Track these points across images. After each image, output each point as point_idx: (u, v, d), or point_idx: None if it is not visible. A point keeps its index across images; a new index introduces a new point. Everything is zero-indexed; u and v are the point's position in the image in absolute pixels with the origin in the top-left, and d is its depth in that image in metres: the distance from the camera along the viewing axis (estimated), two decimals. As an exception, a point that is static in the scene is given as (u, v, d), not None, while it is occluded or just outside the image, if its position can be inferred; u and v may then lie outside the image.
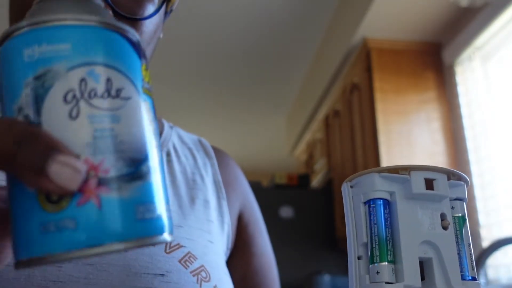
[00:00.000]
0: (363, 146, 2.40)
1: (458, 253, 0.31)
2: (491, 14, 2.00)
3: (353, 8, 2.43)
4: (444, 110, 2.32)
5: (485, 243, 2.00)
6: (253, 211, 0.66)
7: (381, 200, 0.30)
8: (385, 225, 0.30)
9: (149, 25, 0.53)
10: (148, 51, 0.55)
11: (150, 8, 0.52)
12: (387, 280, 0.28)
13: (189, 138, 0.67)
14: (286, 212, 2.66)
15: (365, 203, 0.31)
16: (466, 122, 2.20)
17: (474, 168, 2.14)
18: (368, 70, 2.35)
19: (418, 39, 2.39)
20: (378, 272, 0.29)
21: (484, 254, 1.41)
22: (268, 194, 2.65)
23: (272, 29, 2.91)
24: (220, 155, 0.67)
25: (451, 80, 2.32)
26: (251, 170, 4.62)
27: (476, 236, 2.08)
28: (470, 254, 0.31)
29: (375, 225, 0.30)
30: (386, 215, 0.30)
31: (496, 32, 2.06)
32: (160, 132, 0.63)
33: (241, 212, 0.64)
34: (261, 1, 2.65)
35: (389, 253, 0.29)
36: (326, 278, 2.46)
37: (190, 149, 0.64)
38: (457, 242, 0.31)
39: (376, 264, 0.29)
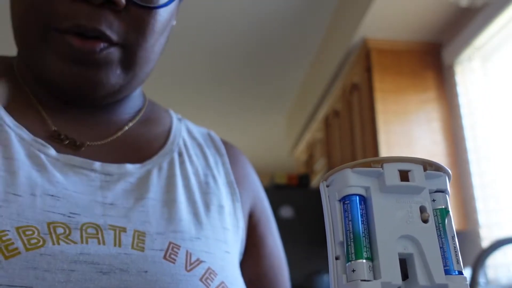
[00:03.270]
0: (363, 146, 2.40)
1: (441, 247, 0.29)
2: (491, 14, 2.00)
3: (353, 8, 2.43)
4: (444, 110, 2.32)
5: (485, 243, 2.00)
6: (264, 210, 0.62)
7: (356, 196, 0.29)
8: (361, 221, 0.29)
9: (164, 14, 0.50)
10: (161, 41, 0.53)
11: None
12: (363, 278, 0.27)
13: (199, 131, 0.63)
14: (286, 212, 2.66)
15: (340, 200, 0.30)
16: (466, 122, 2.20)
17: (474, 168, 2.14)
18: (368, 70, 2.35)
19: (418, 39, 2.39)
20: (354, 270, 0.28)
21: (484, 254, 1.40)
22: (268, 194, 2.63)
23: (272, 29, 2.91)
24: (230, 151, 0.63)
25: (451, 80, 2.32)
26: (251, 170, 4.60)
27: (476, 236, 2.08)
28: (455, 247, 0.29)
29: (350, 222, 0.29)
30: (361, 211, 0.29)
31: (496, 32, 2.06)
32: (169, 125, 0.60)
33: (251, 211, 0.60)
34: (262, 1, 2.65)
35: (365, 249, 0.28)
36: (326, 278, 2.46)
37: (200, 146, 0.60)
38: (439, 235, 0.29)
39: (352, 262, 0.28)
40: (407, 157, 0.30)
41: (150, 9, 0.48)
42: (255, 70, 3.41)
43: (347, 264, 0.28)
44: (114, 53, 0.48)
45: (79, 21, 0.45)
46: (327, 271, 2.50)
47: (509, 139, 1.98)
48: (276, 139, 4.59)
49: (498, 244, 1.39)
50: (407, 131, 2.25)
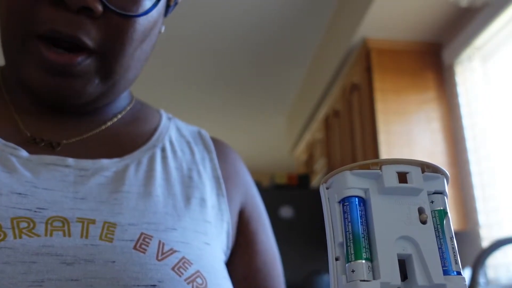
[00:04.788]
0: (363, 146, 2.40)
1: (440, 248, 0.29)
2: (491, 14, 2.00)
3: (353, 8, 2.43)
4: (444, 110, 2.32)
5: (485, 243, 2.00)
6: (255, 206, 0.62)
7: (355, 198, 0.30)
8: (360, 222, 0.29)
9: (144, 22, 0.49)
10: (144, 48, 0.52)
11: (146, 3, 0.49)
12: (362, 278, 0.27)
13: (188, 130, 0.63)
14: (286, 212, 2.66)
15: (339, 202, 0.30)
16: (466, 122, 2.20)
17: (474, 168, 2.14)
18: (368, 70, 2.35)
19: (418, 39, 2.39)
20: (353, 271, 0.28)
21: (484, 254, 1.40)
22: (268, 194, 2.65)
23: (272, 29, 2.91)
24: (220, 147, 0.63)
25: (451, 80, 2.32)
26: (251, 170, 4.60)
27: (476, 236, 2.08)
28: (453, 248, 0.30)
29: (349, 223, 0.29)
30: (360, 212, 0.29)
31: (496, 32, 2.06)
32: (156, 124, 0.60)
33: (242, 208, 0.60)
34: (262, 2, 2.65)
35: (364, 250, 0.28)
36: (326, 278, 2.46)
37: (188, 143, 0.60)
38: (437, 236, 0.30)
39: (351, 263, 0.28)
40: (405, 159, 0.30)
41: (128, 17, 0.48)
42: (255, 70, 3.41)
43: (346, 265, 0.29)
44: (92, 63, 0.48)
45: (56, 27, 0.46)
46: (327, 271, 2.50)
47: (509, 139, 1.98)
48: (276, 139, 4.59)
49: (498, 244, 1.39)
50: (407, 131, 2.25)
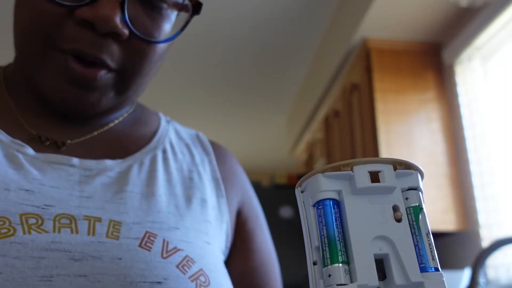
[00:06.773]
0: (363, 146, 2.40)
1: (416, 245, 0.29)
2: (491, 14, 2.00)
3: (353, 8, 2.43)
4: (444, 110, 2.32)
5: (485, 243, 2.00)
6: (253, 207, 0.64)
7: (329, 201, 0.29)
8: (335, 225, 0.29)
9: (163, 45, 0.52)
10: (158, 65, 0.55)
11: (166, 29, 0.51)
12: (339, 282, 0.27)
13: (187, 133, 0.65)
14: (286, 212, 2.67)
15: (314, 205, 0.30)
16: (466, 122, 2.20)
17: (474, 168, 2.14)
18: (368, 70, 2.35)
19: (418, 39, 2.39)
20: (330, 275, 0.28)
21: (484, 254, 1.40)
22: (268, 194, 2.65)
23: (273, 29, 2.91)
24: (218, 150, 0.65)
25: (451, 80, 2.32)
26: (251, 170, 4.61)
27: (476, 236, 2.08)
28: (430, 244, 0.29)
29: (324, 227, 0.29)
30: (335, 215, 0.29)
31: (496, 32, 2.06)
32: (156, 126, 0.62)
33: (240, 208, 0.62)
34: (262, 2, 2.65)
35: (340, 253, 0.28)
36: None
37: (187, 145, 0.62)
38: (413, 233, 0.29)
39: (328, 267, 0.28)
40: (376, 158, 0.30)
41: (152, 43, 0.50)
42: (255, 70, 3.41)
43: (323, 269, 0.28)
44: (110, 78, 0.50)
45: (81, 47, 0.47)
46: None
47: (509, 139, 1.98)
48: (276, 139, 4.59)
49: (498, 244, 1.39)
50: (407, 131, 2.25)
